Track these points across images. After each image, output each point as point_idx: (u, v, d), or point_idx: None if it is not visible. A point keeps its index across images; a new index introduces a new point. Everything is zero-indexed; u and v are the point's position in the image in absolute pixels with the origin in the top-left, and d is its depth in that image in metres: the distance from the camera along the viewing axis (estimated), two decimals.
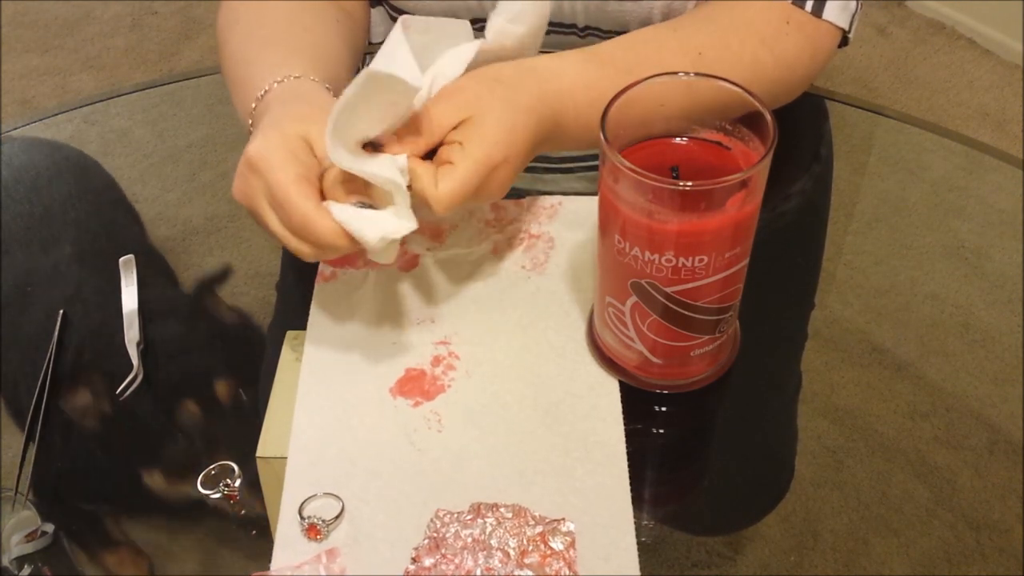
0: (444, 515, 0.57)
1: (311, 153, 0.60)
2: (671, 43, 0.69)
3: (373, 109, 0.57)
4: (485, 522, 0.57)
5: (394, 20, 0.83)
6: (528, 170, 0.82)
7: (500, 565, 0.55)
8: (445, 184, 0.59)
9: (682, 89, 0.60)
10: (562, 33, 0.82)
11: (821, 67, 0.74)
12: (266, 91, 0.66)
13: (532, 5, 0.65)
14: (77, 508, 0.64)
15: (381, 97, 0.56)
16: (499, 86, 0.62)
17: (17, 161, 0.89)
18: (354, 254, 0.74)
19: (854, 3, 0.73)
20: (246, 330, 0.76)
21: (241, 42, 0.73)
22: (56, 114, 0.95)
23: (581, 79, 0.66)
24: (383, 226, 0.57)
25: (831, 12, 0.71)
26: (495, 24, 0.65)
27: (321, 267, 0.73)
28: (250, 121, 0.67)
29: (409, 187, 0.59)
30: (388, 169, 0.58)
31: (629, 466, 0.61)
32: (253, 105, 0.67)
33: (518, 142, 0.61)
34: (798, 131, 0.89)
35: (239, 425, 0.68)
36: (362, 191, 0.59)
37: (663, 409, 0.66)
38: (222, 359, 0.72)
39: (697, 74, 0.60)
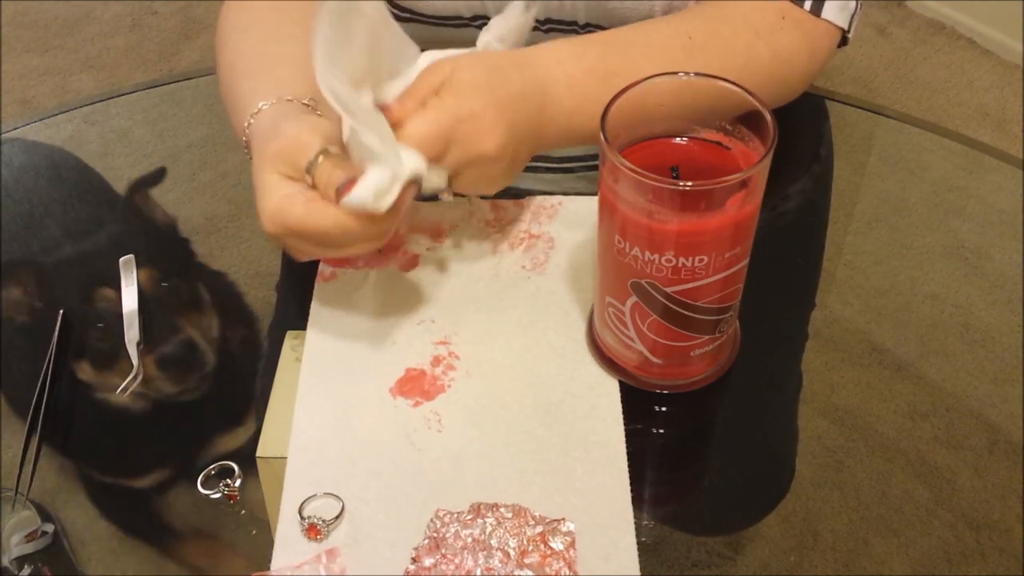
0: (444, 515, 0.57)
1: (298, 177, 0.60)
2: (661, 27, 0.69)
3: (349, 40, 0.57)
4: (485, 522, 0.57)
5: (398, 18, 0.83)
6: (528, 170, 0.82)
7: (500, 565, 0.55)
8: (414, 122, 0.60)
9: (680, 83, 0.60)
10: (562, 31, 0.82)
11: (820, 66, 0.74)
12: (249, 123, 0.66)
13: (518, 24, 0.66)
14: (77, 508, 0.64)
15: (350, 26, 0.57)
16: (474, 54, 0.64)
17: (12, 163, 0.89)
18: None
19: (853, 3, 0.73)
20: (174, 231, 0.79)
21: (235, 52, 0.73)
22: (56, 114, 0.95)
23: (565, 51, 0.66)
24: (374, 179, 0.57)
25: (830, 11, 0.71)
26: (483, 40, 0.66)
27: (321, 267, 0.74)
28: (244, 140, 0.68)
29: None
30: (372, 114, 0.58)
31: (629, 466, 0.61)
32: (244, 139, 0.68)
33: (496, 90, 0.62)
34: (798, 131, 0.89)
35: (238, 425, 0.68)
36: (353, 170, 0.59)
37: (663, 409, 0.66)
38: (145, 253, 0.73)
39: (697, 74, 0.60)
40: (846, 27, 0.73)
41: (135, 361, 0.67)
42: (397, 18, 0.83)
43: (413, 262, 0.74)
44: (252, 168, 0.63)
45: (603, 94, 0.58)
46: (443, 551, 0.56)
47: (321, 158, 0.59)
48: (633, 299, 0.60)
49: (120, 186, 0.88)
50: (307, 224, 0.58)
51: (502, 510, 0.57)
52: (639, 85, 0.58)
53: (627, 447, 0.62)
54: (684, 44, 0.68)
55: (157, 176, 0.82)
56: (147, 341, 0.66)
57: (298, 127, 0.61)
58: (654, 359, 0.63)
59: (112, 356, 0.67)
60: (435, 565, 0.55)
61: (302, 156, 0.59)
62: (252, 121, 0.66)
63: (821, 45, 0.73)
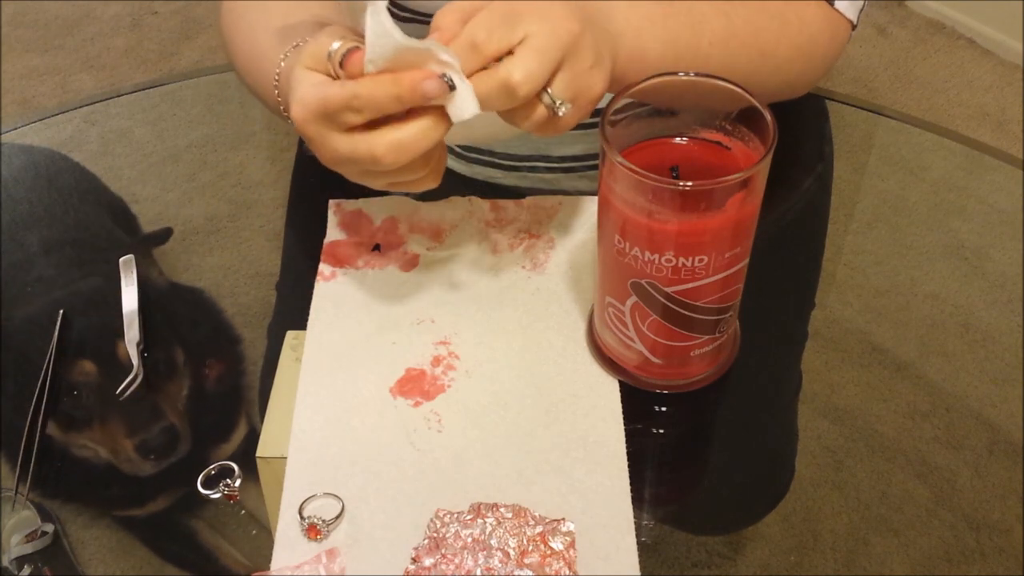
0: (444, 515, 0.57)
1: (324, 69, 0.58)
2: None
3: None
4: (485, 522, 0.57)
5: (398, 18, 0.83)
6: (528, 170, 0.82)
7: (500, 565, 0.55)
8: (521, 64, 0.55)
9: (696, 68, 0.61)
10: None
11: (837, 53, 0.74)
12: (279, 71, 0.66)
13: None
14: (76, 508, 0.64)
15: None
16: None
17: (10, 165, 0.89)
18: (354, 255, 0.74)
19: (861, 0, 0.73)
20: (169, 298, 0.77)
21: (248, 36, 0.73)
22: (56, 114, 0.95)
23: None
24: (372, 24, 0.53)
25: (842, 4, 0.72)
26: None
27: (321, 267, 0.74)
28: (280, 105, 0.67)
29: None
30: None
31: (629, 466, 0.61)
32: (276, 92, 0.66)
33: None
34: (801, 133, 0.89)
35: (226, 421, 0.68)
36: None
37: (663, 409, 0.66)
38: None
39: (697, 74, 0.60)
40: (855, 21, 0.73)
41: (135, 361, 0.67)
42: (397, 17, 0.83)
43: (413, 262, 0.74)
44: (289, 93, 0.61)
45: (661, 18, 0.61)
46: (443, 551, 0.56)
47: (339, 43, 0.57)
48: (633, 299, 0.60)
49: (119, 186, 0.88)
50: (326, 99, 0.56)
51: (502, 510, 0.57)
52: (641, 85, 0.59)
53: (627, 447, 0.62)
54: None
55: (163, 236, 0.81)
56: (130, 422, 0.66)
57: (323, 33, 0.60)
58: (654, 359, 0.63)
59: (78, 420, 0.68)
60: (435, 565, 0.55)
61: (325, 48, 0.58)
62: (283, 64, 0.65)
63: (839, 31, 0.73)
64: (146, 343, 0.69)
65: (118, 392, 0.66)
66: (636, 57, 0.63)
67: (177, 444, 0.65)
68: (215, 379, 0.72)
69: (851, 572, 0.58)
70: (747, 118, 0.58)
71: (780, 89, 0.72)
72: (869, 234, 0.79)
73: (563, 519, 0.57)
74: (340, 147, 0.57)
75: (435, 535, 0.57)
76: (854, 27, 0.74)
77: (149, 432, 0.65)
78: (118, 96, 0.98)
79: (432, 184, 0.61)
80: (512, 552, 0.55)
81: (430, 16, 0.82)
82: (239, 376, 0.72)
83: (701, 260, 0.57)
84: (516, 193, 0.79)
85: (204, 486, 0.62)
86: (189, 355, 0.72)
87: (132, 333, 0.69)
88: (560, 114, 0.56)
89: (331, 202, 0.77)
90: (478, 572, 0.55)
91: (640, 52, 0.63)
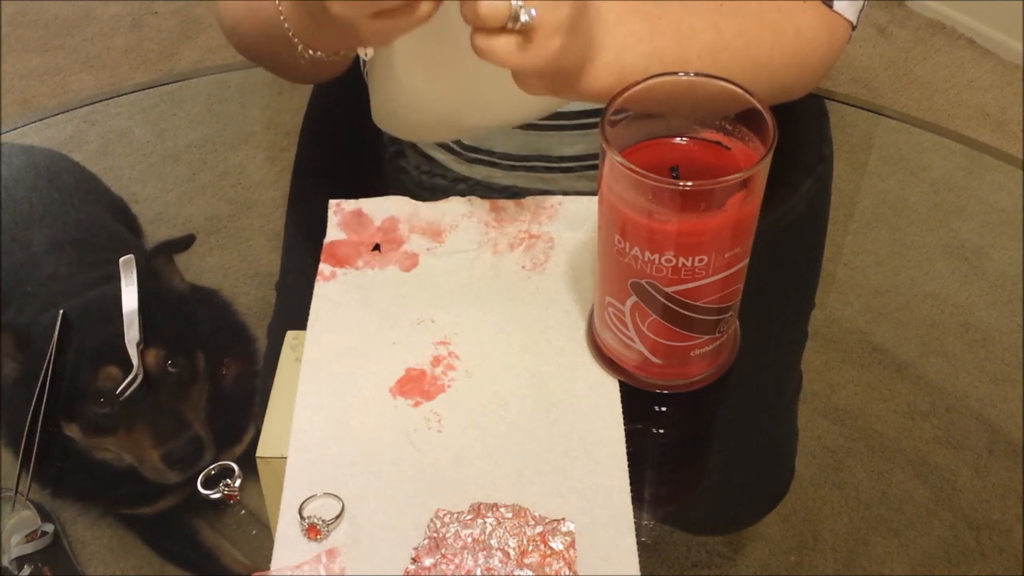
0: (444, 515, 0.57)
1: None
2: None
3: None
4: (485, 522, 0.57)
5: None
6: (528, 170, 0.82)
7: (500, 565, 0.55)
8: None
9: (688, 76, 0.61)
10: None
11: (836, 56, 0.74)
12: None
13: None
14: (77, 508, 0.64)
15: None
16: None
17: (10, 165, 0.89)
18: (354, 255, 0.74)
19: (861, 0, 0.73)
20: (188, 302, 0.77)
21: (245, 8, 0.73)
22: (56, 114, 0.95)
23: None
24: None
25: (841, 5, 0.72)
26: None
27: (321, 267, 0.74)
28: (287, 27, 0.65)
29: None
30: None
31: (629, 466, 0.61)
32: (281, 16, 0.65)
33: None
34: (801, 133, 0.89)
35: (238, 424, 0.68)
36: None
37: (663, 409, 0.66)
38: (151, 324, 0.71)
39: (697, 74, 0.60)
40: (855, 22, 0.73)
41: (135, 361, 0.67)
42: None
43: (413, 262, 0.74)
44: None
45: (647, 35, 0.61)
46: (443, 551, 0.56)
47: None
48: (633, 299, 0.60)
49: (119, 186, 0.88)
50: None
51: (502, 510, 0.57)
52: (640, 86, 0.59)
53: (627, 447, 0.62)
54: (716, 8, 0.67)
55: (186, 242, 0.81)
56: (156, 432, 0.66)
57: None
58: (654, 359, 0.63)
59: (103, 428, 0.68)
60: (435, 565, 0.55)
61: None
62: None
63: (837, 35, 0.73)
64: (169, 349, 0.69)
65: (118, 392, 0.66)
66: (616, 71, 0.63)
67: (203, 453, 0.65)
68: (232, 381, 0.72)
69: (851, 572, 0.58)
70: (747, 118, 0.58)
71: (776, 95, 0.72)
72: (869, 234, 0.79)
73: (563, 519, 0.57)
74: None
75: (435, 535, 0.57)
76: (854, 28, 0.74)
77: (176, 442, 0.65)
78: (118, 96, 0.98)
79: (424, 15, 0.57)
80: (512, 552, 0.55)
81: None
82: (253, 377, 0.72)
83: (701, 260, 0.57)
84: (516, 193, 0.79)
85: (204, 486, 0.62)
86: (208, 359, 0.72)
87: (132, 333, 0.69)
88: (521, 20, 0.54)
89: (331, 202, 0.77)
90: (478, 572, 0.55)
91: (620, 68, 0.63)
